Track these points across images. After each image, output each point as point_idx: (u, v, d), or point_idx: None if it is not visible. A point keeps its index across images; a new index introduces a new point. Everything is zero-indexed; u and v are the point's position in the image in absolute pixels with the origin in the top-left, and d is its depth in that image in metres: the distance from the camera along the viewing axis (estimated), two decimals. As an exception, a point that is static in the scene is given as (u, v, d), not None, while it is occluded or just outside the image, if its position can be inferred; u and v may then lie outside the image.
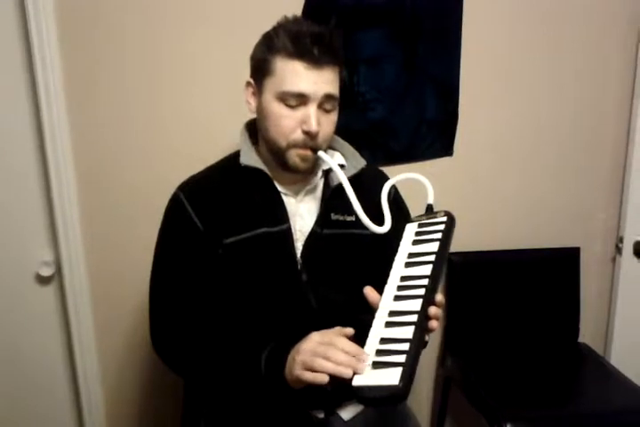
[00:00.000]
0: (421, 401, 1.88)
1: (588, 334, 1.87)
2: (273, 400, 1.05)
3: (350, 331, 0.91)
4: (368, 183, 1.12)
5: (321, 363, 0.86)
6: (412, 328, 0.85)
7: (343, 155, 1.17)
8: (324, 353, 0.86)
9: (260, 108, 1.07)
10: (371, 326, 0.90)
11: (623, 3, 1.69)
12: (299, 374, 0.88)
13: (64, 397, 1.69)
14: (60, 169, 1.49)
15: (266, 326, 1.08)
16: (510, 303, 1.78)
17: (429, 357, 1.84)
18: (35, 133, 1.49)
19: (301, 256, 1.10)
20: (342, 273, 1.12)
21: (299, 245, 1.10)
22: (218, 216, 1.08)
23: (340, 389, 0.85)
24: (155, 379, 1.69)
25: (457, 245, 1.66)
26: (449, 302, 1.75)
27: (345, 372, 0.83)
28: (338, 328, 0.92)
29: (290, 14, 1.06)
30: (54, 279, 1.59)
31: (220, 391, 1.12)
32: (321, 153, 1.04)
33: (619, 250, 1.85)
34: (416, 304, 0.88)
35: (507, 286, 1.78)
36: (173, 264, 1.10)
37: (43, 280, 1.59)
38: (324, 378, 0.85)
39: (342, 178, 1.00)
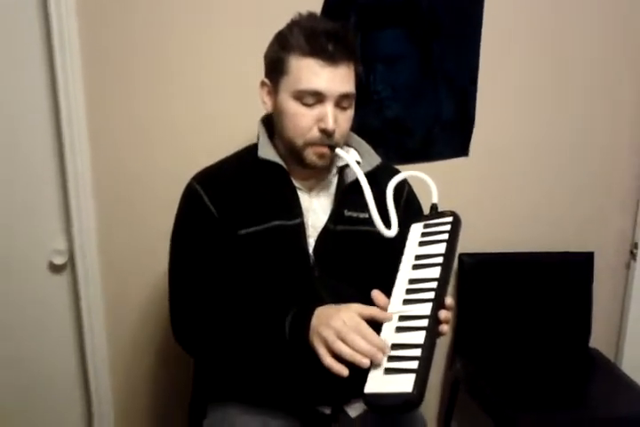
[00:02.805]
0: (428, 404, 1.87)
1: (599, 340, 1.85)
2: (293, 372, 1.05)
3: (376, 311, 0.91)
4: (382, 181, 1.11)
5: (340, 346, 0.86)
6: (423, 333, 0.84)
7: (358, 152, 1.16)
8: (344, 337, 0.87)
9: (277, 107, 1.07)
10: (380, 330, 0.89)
11: None
12: (320, 353, 0.89)
13: (73, 384, 1.70)
14: (75, 158, 1.50)
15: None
16: (521, 307, 1.76)
17: (438, 359, 1.83)
18: (52, 124, 1.50)
19: (314, 252, 1.09)
20: (355, 269, 1.12)
21: (311, 241, 1.10)
22: (232, 206, 1.09)
23: (350, 382, 0.84)
24: (164, 368, 1.70)
25: (469, 246, 1.67)
26: (459, 304, 1.75)
27: (362, 361, 0.83)
28: (360, 306, 0.92)
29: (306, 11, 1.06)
30: (67, 268, 1.61)
31: (239, 371, 1.12)
32: (339, 151, 1.04)
33: (633, 256, 1.83)
34: (426, 308, 0.87)
35: (518, 288, 1.76)
36: (191, 250, 1.10)
37: (55, 269, 1.60)
38: (343, 371, 0.86)
39: (360, 175, 1.00)
